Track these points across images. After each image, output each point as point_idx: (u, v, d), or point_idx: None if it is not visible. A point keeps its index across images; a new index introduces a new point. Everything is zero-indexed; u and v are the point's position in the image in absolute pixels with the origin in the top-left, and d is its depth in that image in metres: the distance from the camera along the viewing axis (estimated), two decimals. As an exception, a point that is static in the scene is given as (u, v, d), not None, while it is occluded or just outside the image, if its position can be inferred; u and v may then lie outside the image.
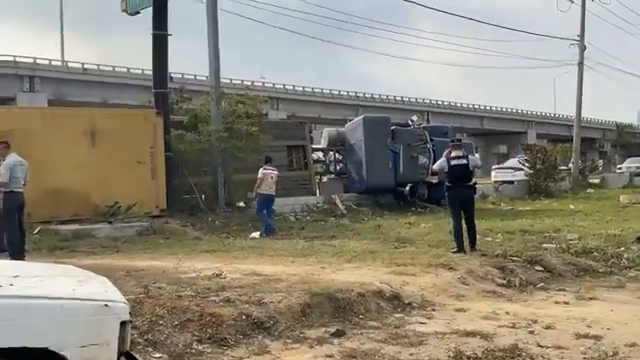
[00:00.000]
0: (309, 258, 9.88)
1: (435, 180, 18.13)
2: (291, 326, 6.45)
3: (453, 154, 10.62)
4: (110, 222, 14.04)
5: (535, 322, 6.62)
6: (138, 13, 20.48)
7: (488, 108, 71.36)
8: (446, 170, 10.62)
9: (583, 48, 33.71)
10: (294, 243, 12.11)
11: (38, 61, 43.14)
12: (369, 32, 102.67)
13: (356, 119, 22.58)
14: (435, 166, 11.23)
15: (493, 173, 30.81)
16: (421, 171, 20.81)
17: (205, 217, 16.21)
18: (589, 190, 28.52)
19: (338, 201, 20.15)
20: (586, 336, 6.06)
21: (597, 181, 32.74)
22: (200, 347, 5.80)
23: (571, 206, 20.47)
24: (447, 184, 10.75)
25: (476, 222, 12.45)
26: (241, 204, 18.03)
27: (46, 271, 4.55)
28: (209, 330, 6.08)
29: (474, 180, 10.90)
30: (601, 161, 51.59)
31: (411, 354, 5.61)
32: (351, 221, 17.39)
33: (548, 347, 5.73)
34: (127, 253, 11.04)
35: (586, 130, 75.14)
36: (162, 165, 16.17)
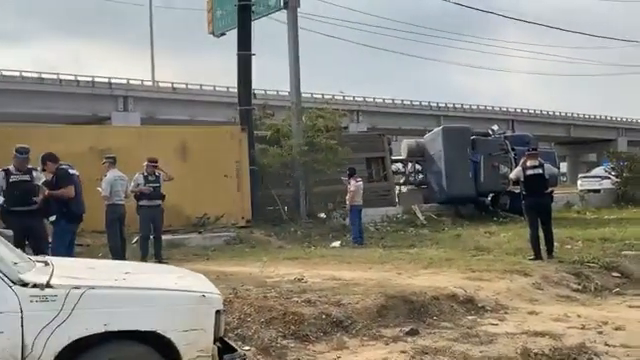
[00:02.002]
0: (386, 265, 10.29)
1: (517, 190, 18.10)
2: (368, 325, 6.91)
3: (529, 163, 10.81)
4: (200, 232, 14.95)
5: (605, 324, 6.81)
6: (224, 35, 21.61)
7: (575, 115, 69.32)
8: (522, 179, 10.82)
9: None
10: (372, 251, 12.54)
11: (131, 82, 45.57)
12: (450, 44, 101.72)
13: (435, 129, 22.76)
14: (511, 175, 11.43)
15: (579, 182, 30.11)
16: (503, 181, 20.68)
17: (288, 227, 16.84)
18: (681, 199, 27.38)
19: (418, 211, 20.37)
20: (656, 337, 6.21)
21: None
22: (284, 342, 6.35)
23: (660, 215, 19.86)
24: (523, 193, 10.93)
25: (557, 230, 12.54)
26: (322, 215, 18.58)
27: (151, 269, 5.25)
28: (292, 327, 6.63)
29: (550, 189, 11.01)
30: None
31: (481, 351, 5.95)
32: (431, 231, 17.57)
33: (615, 346, 5.95)
34: (216, 260, 11.80)
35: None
36: (247, 178, 16.95)
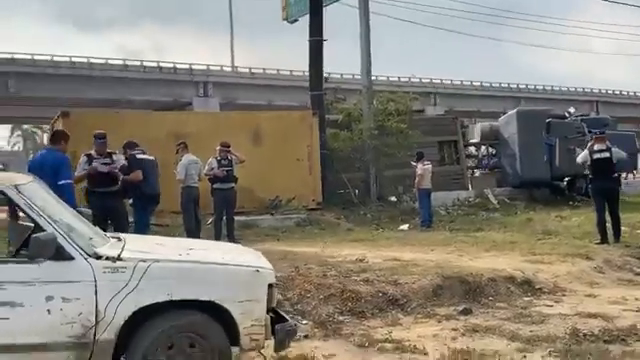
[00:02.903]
0: (449, 247, 10.45)
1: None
2: (423, 304, 7.17)
3: (596, 147, 10.70)
4: (272, 214, 15.49)
5: (663, 308, 6.78)
6: (297, 21, 22.10)
7: (665, 95, 65.96)
8: (589, 163, 10.71)
9: None
10: (438, 234, 12.70)
11: (211, 67, 46.79)
12: (529, 25, 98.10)
13: (510, 112, 22.48)
14: (578, 159, 11.30)
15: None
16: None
17: (358, 210, 17.15)
18: None
19: (491, 195, 20.25)
20: None
21: None
22: (341, 317, 6.71)
23: None
24: (590, 177, 10.83)
25: (631, 215, 12.35)
26: (392, 198, 18.77)
27: (214, 246, 5.70)
28: (349, 304, 6.98)
29: (617, 173, 10.86)
30: None
31: (531, 331, 6.09)
32: (502, 215, 17.47)
33: (667, 329, 5.95)
34: (286, 241, 12.28)
35: None
36: (318, 162, 17.33)
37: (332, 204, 17.51)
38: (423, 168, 15.38)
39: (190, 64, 45.73)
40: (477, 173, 23.48)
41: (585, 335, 5.76)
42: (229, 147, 12.20)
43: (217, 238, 11.55)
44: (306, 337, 6.08)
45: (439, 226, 15.05)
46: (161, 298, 4.27)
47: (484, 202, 19.73)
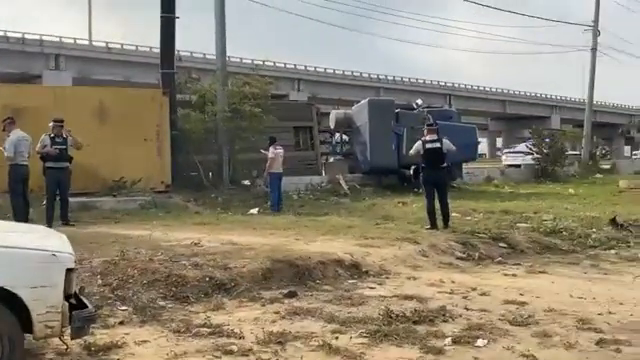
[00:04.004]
0: (289, 231, 10.52)
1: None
2: (250, 288, 7.17)
3: (428, 137, 11.27)
4: (115, 195, 14.87)
5: (474, 289, 7.24)
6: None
7: (512, 92, 71.07)
8: (421, 152, 11.23)
9: (597, 34, 33.79)
10: (283, 218, 12.78)
11: (64, 40, 44.24)
12: (393, 20, 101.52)
13: (362, 102, 23.11)
14: (411, 151, 11.80)
15: (503, 157, 31.19)
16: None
17: (209, 194, 16.88)
18: (598, 175, 28.71)
19: (342, 181, 20.72)
20: (513, 302, 6.66)
21: (608, 167, 32.85)
22: (163, 303, 6.55)
23: (570, 190, 20.81)
24: (422, 165, 11.36)
25: (464, 202, 13.06)
26: (246, 182, 18.68)
27: (15, 228, 5.32)
28: (174, 289, 6.84)
29: (446, 163, 11.47)
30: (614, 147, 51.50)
31: (349, 312, 6.28)
32: (352, 200, 17.95)
33: (473, 310, 6.35)
34: (124, 224, 11.81)
35: (610, 115, 74.64)
36: (168, 142, 16.87)
37: (182, 187, 17.14)
38: (275, 152, 15.44)
39: (41, 35, 43.16)
40: (331, 159, 23.95)
41: (397, 316, 5.99)
42: (63, 122, 11.51)
43: (49, 220, 10.92)
44: (121, 323, 5.88)
45: (288, 210, 15.16)
46: (-59, 283, 3.93)
47: (336, 187, 20.15)
